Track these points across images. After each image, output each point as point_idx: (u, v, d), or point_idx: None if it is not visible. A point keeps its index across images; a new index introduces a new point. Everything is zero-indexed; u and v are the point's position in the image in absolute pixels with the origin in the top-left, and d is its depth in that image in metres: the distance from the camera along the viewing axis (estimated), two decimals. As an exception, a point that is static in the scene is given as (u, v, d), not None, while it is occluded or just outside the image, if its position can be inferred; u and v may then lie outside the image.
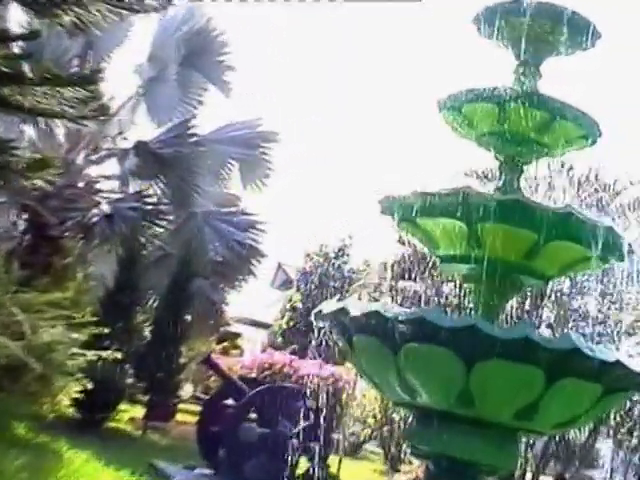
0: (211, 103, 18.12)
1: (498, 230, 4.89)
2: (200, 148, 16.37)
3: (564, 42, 5.44)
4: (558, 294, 13.87)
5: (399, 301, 13.60)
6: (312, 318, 5.27)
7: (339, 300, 5.10)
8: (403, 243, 12.73)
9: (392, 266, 14.25)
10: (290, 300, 27.10)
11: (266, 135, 17.60)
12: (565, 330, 12.91)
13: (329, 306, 5.08)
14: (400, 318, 4.58)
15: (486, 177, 12.72)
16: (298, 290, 27.22)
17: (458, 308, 12.05)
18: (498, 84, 5.29)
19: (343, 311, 4.87)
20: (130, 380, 13.83)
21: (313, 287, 26.88)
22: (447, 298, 13.83)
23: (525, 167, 5.58)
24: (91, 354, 9.58)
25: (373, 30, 44.70)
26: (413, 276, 13.94)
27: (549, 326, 13.76)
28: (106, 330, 10.32)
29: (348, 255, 27.65)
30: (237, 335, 24.26)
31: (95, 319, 10.10)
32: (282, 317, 26.83)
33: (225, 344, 22.17)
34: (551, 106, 5.24)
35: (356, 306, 4.89)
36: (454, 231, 5.10)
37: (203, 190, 16.53)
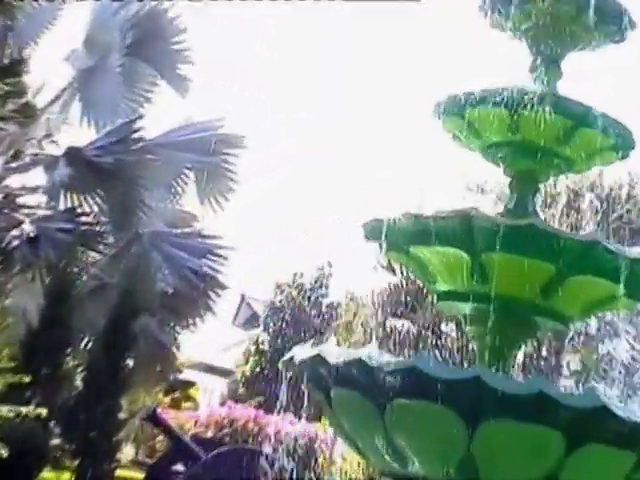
0: (163, 101, 18.11)
1: (508, 261, 4.92)
2: (147, 155, 16.33)
3: (591, 33, 5.50)
4: (583, 337, 13.92)
5: (388, 345, 13.60)
6: (281, 366, 5.25)
7: (315, 344, 5.09)
8: (394, 272, 12.76)
9: (380, 301, 14.27)
10: (256, 341, 27.06)
11: (229, 139, 17.56)
12: (590, 383, 12.96)
13: (302, 352, 5.08)
14: (388, 368, 4.59)
15: (498, 199, 12.79)
16: (266, 329, 27.18)
17: (459, 355, 12.06)
18: (509, 85, 5.32)
19: (319, 358, 4.87)
20: (56, 441, 13.69)
21: (284, 325, 26.86)
22: (447, 341, 13.85)
23: (541, 184, 5.62)
24: (6, 409, 9.48)
25: (370, 30, 45.16)
26: (405, 313, 13.96)
27: (572, 377, 13.81)
28: (27, 379, 10.24)
29: (327, 287, 27.69)
30: (190, 384, 24.15)
31: (13, 365, 10.02)
32: (246, 362, 26.77)
33: (175, 395, 22.08)
34: (573, 111, 5.30)
35: (335, 352, 4.89)
36: (455, 262, 5.12)
37: (150, 207, 16.48)
